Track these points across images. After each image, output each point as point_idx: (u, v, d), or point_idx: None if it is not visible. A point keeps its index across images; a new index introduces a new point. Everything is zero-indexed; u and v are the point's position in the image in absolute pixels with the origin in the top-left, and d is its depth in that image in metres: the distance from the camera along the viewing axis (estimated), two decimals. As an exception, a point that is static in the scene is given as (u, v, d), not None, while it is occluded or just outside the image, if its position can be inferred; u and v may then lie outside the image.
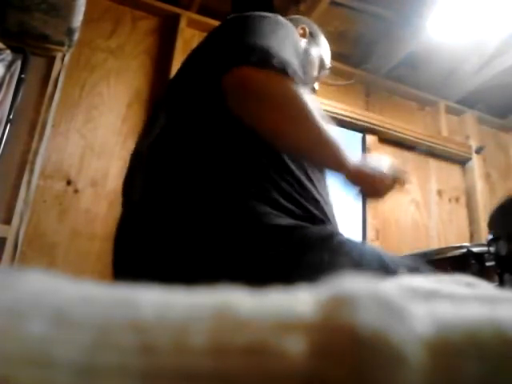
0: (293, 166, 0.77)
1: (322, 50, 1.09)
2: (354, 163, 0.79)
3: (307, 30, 1.07)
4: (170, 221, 0.69)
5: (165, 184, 0.73)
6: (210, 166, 0.72)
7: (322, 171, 0.85)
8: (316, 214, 0.76)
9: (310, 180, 0.79)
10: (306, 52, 1.01)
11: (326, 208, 0.79)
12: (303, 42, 1.02)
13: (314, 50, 1.05)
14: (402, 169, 0.89)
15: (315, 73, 1.06)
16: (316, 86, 1.10)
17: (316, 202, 0.77)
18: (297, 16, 1.16)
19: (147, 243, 0.70)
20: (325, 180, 0.86)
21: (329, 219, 0.79)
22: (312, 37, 1.07)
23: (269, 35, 0.76)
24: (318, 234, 0.70)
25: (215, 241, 0.66)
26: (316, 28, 1.11)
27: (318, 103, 0.76)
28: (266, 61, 0.71)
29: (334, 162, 0.78)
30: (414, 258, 0.72)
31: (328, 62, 1.12)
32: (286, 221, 0.69)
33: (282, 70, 0.71)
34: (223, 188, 0.70)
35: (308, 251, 0.66)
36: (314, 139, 0.74)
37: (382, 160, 0.87)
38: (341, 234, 0.74)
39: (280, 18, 0.85)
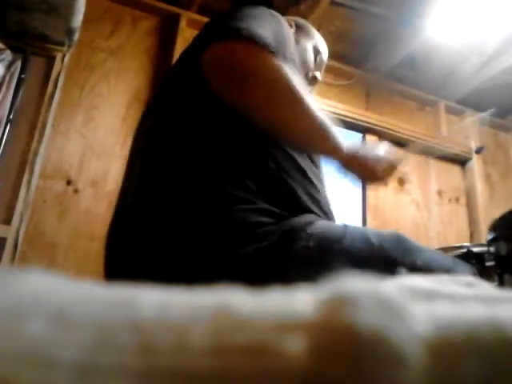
0: (281, 157, 0.75)
1: (314, 39, 1.08)
2: (348, 148, 0.76)
3: (293, 22, 1.07)
4: (160, 221, 0.69)
5: (156, 184, 0.72)
6: (196, 162, 0.71)
7: (315, 162, 0.83)
8: (309, 207, 0.74)
9: (302, 170, 0.77)
10: (297, 42, 1.00)
11: (321, 200, 0.78)
12: (292, 32, 1.02)
13: (305, 39, 1.05)
14: (399, 156, 0.87)
15: (312, 60, 1.06)
16: (318, 75, 1.09)
17: (308, 194, 0.76)
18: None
19: (140, 243, 0.70)
20: (319, 170, 0.84)
21: (324, 212, 0.78)
22: (299, 27, 1.07)
23: (248, 18, 0.74)
24: (302, 222, 0.69)
25: (201, 240, 0.66)
26: (302, 21, 1.11)
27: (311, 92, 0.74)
28: (246, 34, 0.68)
29: (327, 146, 0.75)
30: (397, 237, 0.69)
31: (323, 49, 1.11)
32: (269, 219, 0.68)
33: (258, 43, 0.68)
34: (208, 184, 0.69)
35: (293, 241, 0.65)
36: (303, 121, 0.71)
37: (379, 146, 0.85)
38: (321, 219, 0.73)
39: (268, 10, 0.84)
